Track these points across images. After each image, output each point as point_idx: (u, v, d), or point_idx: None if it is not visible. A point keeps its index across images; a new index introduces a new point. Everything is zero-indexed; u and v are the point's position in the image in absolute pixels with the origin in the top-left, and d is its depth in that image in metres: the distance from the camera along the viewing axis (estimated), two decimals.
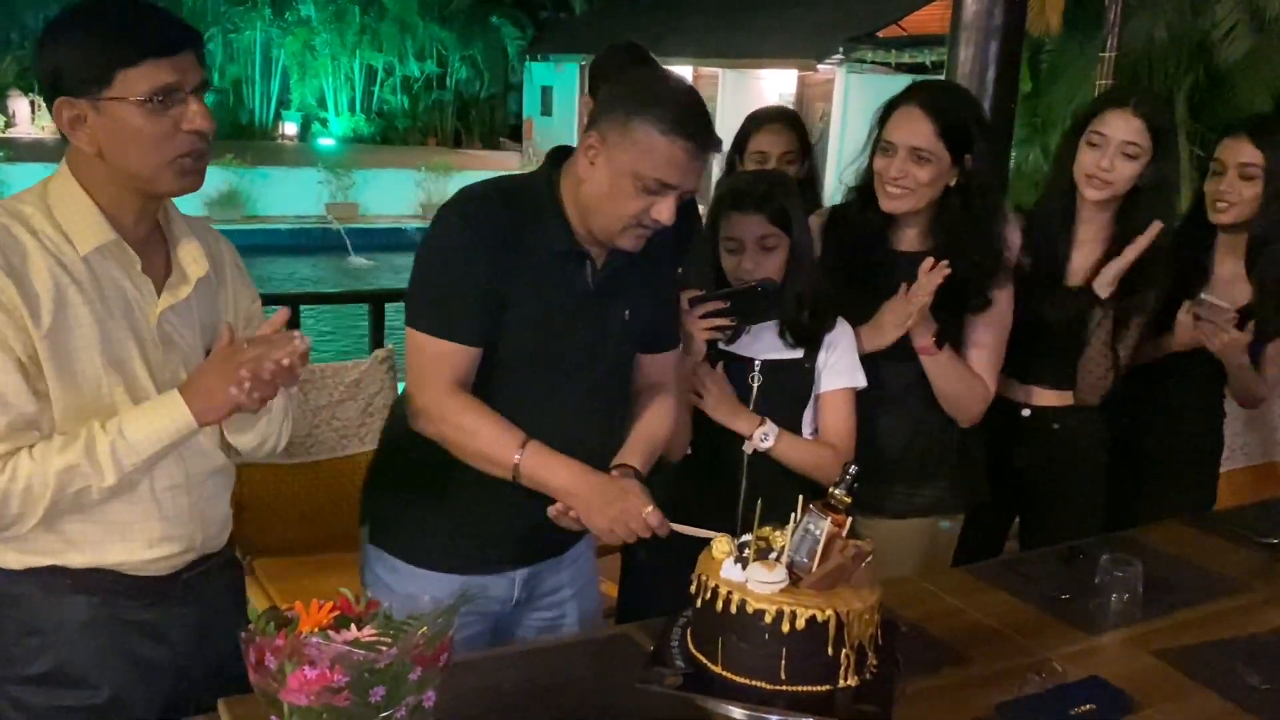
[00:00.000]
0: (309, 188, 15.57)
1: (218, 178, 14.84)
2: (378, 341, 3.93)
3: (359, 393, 3.20)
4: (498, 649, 1.96)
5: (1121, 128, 2.49)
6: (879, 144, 2.36)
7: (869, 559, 1.56)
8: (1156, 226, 2.45)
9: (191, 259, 1.76)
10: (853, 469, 1.59)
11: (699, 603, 1.57)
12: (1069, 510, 2.69)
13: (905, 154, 2.30)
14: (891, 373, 2.40)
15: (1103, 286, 2.50)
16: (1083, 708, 1.80)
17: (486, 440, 1.88)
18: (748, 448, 2.24)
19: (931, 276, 2.25)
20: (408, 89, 23.41)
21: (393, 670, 1.30)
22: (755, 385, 2.26)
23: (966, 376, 2.44)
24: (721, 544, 1.59)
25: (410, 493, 2.05)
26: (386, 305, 3.97)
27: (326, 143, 21.16)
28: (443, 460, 1.93)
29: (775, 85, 16.18)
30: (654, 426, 2.08)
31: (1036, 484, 2.73)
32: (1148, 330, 2.60)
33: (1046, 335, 2.56)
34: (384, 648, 1.31)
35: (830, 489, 1.60)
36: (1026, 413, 2.69)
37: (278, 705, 1.34)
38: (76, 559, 1.70)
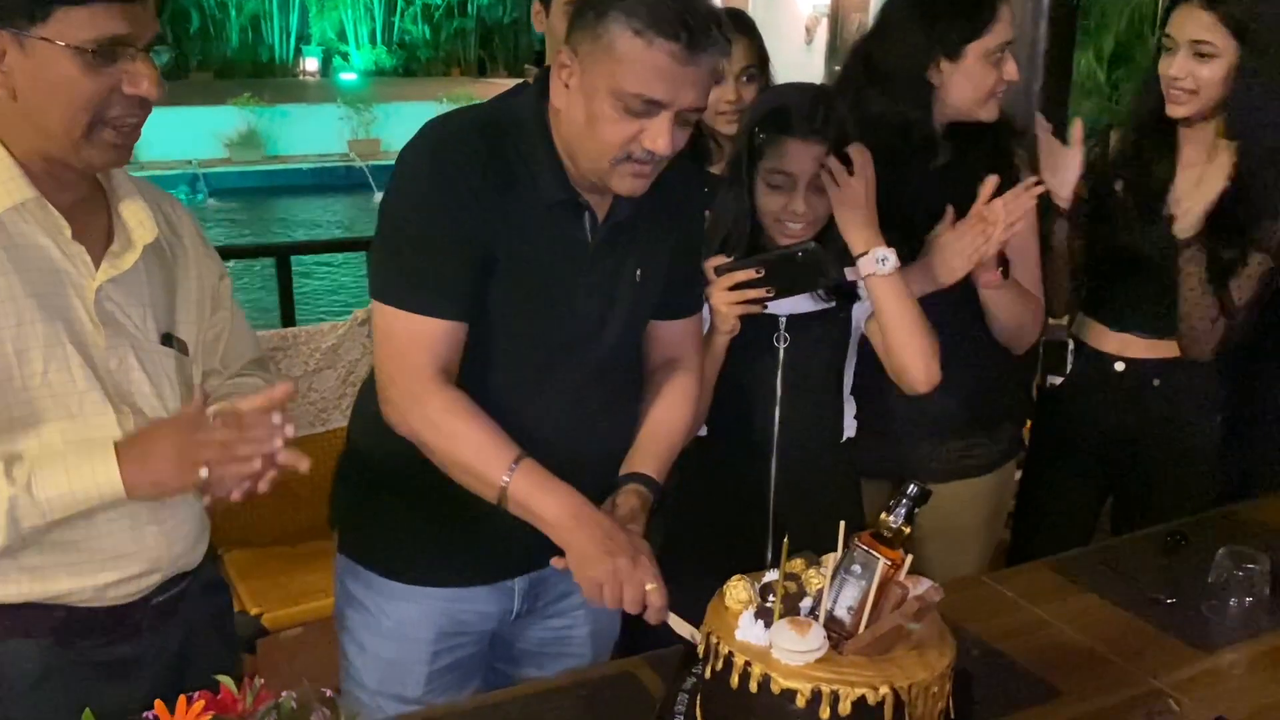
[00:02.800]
0: (330, 124, 15.14)
1: (236, 118, 14.46)
2: None
3: (337, 360, 2.83)
4: (468, 700, 1.59)
5: (1190, 25, 2.04)
6: None
7: (936, 602, 1.15)
8: (1229, 149, 2.01)
9: (137, 221, 1.44)
10: (913, 489, 1.18)
11: (708, 671, 1.18)
12: (1174, 487, 2.27)
13: None
14: (940, 324, 1.97)
15: (1183, 228, 2.05)
16: None
17: (471, 451, 1.50)
18: (853, 274, 1.81)
19: (1023, 199, 1.85)
20: (429, 18, 22.79)
21: None
22: (782, 346, 1.85)
23: (1026, 299, 2.06)
24: (737, 589, 1.20)
25: (384, 493, 1.69)
26: None
27: (348, 77, 20.65)
28: (419, 455, 1.56)
29: None
30: (672, 417, 1.70)
31: (1135, 454, 2.30)
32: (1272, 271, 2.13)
33: (1143, 273, 2.12)
34: None
35: (882, 515, 1.19)
36: (1120, 367, 2.27)
37: None
38: (11, 593, 1.37)
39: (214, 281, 1.58)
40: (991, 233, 1.86)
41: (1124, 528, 2.31)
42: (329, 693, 1.06)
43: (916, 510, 1.18)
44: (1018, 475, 2.39)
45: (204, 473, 1.30)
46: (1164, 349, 2.23)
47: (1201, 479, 2.28)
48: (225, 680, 1.07)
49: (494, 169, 1.50)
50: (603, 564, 1.42)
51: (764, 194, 1.80)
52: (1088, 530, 2.38)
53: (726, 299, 1.73)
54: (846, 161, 1.76)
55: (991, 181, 1.87)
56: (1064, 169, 2.09)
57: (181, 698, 1.04)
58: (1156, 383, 2.25)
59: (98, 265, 1.39)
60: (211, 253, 1.61)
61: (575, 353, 1.59)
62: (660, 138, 1.43)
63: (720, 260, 1.73)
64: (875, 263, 1.79)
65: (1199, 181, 2.04)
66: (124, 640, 1.45)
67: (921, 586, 1.17)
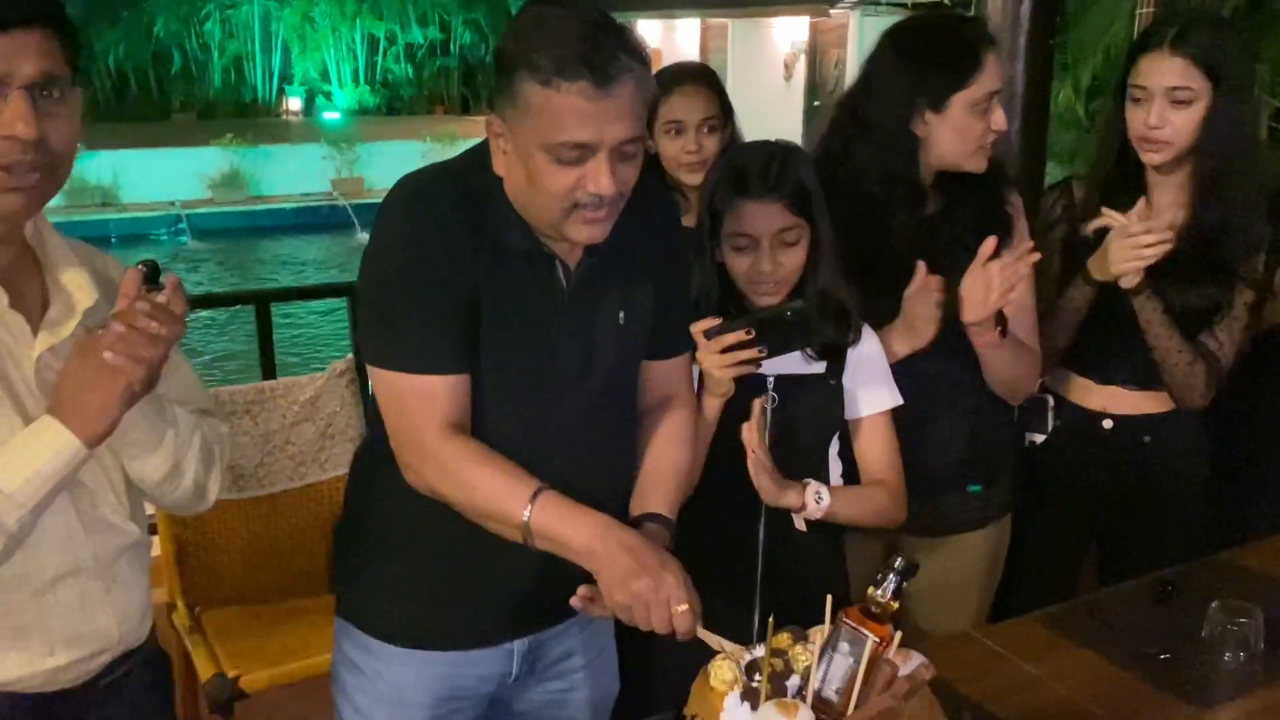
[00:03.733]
0: (313, 164, 15.18)
1: (219, 159, 14.48)
2: (358, 343, 3.50)
3: (316, 413, 2.79)
4: None
5: (1163, 73, 2.02)
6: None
7: (927, 680, 1.12)
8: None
9: (76, 286, 1.38)
10: (899, 562, 1.16)
11: None
12: (1162, 537, 2.24)
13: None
14: (935, 372, 1.96)
15: (1127, 276, 2.02)
16: None
17: (488, 495, 1.47)
18: (799, 523, 1.80)
19: (1019, 266, 1.84)
20: (411, 57, 22.92)
21: None
22: (769, 407, 1.81)
23: (1022, 353, 2.03)
24: (722, 670, 1.17)
25: (381, 557, 1.66)
26: None
27: (332, 116, 20.74)
28: (418, 516, 1.55)
29: (787, 33, 15.53)
30: (673, 455, 1.67)
31: (1121, 509, 2.27)
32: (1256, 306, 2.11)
33: (1125, 324, 2.09)
34: None
35: (869, 590, 1.16)
36: (1109, 424, 2.23)
37: None
38: None
39: None
40: (932, 305, 1.85)
41: (1110, 577, 2.28)
42: None
43: (905, 584, 1.15)
44: None
45: (114, 358, 1.25)
46: (1153, 402, 2.19)
47: (1191, 528, 2.25)
48: None
49: (469, 219, 1.49)
50: (636, 582, 1.38)
51: (730, 256, 1.79)
52: (1071, 581, 2.35)
53: (718, 362, 1.69)
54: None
55: (989, 244, 1.85)
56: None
57: None
58: (1148, 439, 2.21)
59: (35, 333, 1.34)
60: None
61: (563, 398, 1.57)
62: (601, 178, 1.41)
63: (708, 323, 1.69)
64: (814, 504, 1.77)
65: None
66: None
67: (912, 664, 1.14)
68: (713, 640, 1.32)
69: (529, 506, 1.44)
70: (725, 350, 1.67)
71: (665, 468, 1.65)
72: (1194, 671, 1.74)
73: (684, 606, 1.34)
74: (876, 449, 1.86)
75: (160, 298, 1.30)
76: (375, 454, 1.60)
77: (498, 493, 1.46)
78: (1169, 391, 2.13)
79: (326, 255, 13.60)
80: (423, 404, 1.47)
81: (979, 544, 2.14)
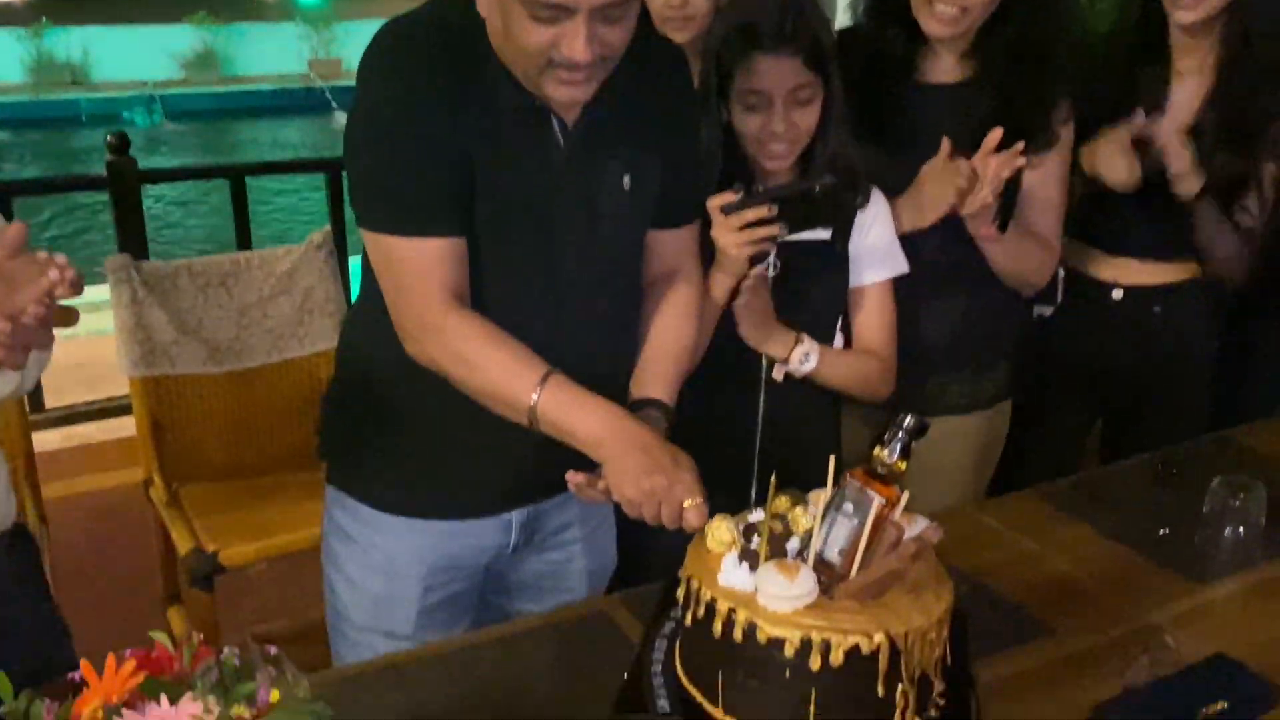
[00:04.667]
0: (289, 44, 14.73)
1: (191, 37, 14.03)
2: (336, 221, 3.39)
3: (293, 285, 2.69)
4: (430, 648, 1.50)
5: None
6: None
7: (935, 542, 1.07)
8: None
9: None
10: (908, 420, 1.09)
11: (689, 618, 1.10)
12: (1168, 413, 2.19)
13: None
14: (935, 250, 1.87)
15: (1186, 187, 1.93)
16: (1214, 707, 1.34)
17: (495, 376, 1.40)
18: (778, 373, 1.72)
19: (1001, 165, 1.72)
20: None
21: None
22: (771, 275, 1.73)
23: (1031, 246, 1.92)
24: (719, 531, 1.11)
25: (374, 425, 1.58)
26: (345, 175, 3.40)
27: None
28: (413, 383, 1.47)
29: None
30: (676, 334, 1.59)
31: (1127, 383, 2.21)
32: None
33: (1141, 193, 2.00)
34: None
35: (875, 450, 1.09)
36: (1118, 294, 2.16)
37: None
38: None
39: None
40: (958, 184, 1.73)
41: (1112, 456, 2.24)
42: (273, 650, 0.96)
43: (913, 444, 1.08)
44: None
45: None
46: (1165, 273, 2.12)
47: (1197, 404, 2.20)
48: (159, 636, 0.97)
49: (456, 71, 1.38)
50: (649, 479, 1.32)
51: (740, 116, 1.67)
52: (1073, 460, 2.31)
53: (735, 239, 1.58)
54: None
55: (995, 134, 1.73)
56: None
57: (110, 657, 0.93)
58: (1157, 309, 2.15)
59: None
60: None
61: (565, 270, 1.47)
62: (576, 42, 1.29)
63: (725, 198, 1.58)
64: (798, 364, 1.70)
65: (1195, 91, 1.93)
66: None
67: (918, 526, 1.09)
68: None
69: (537, 390, 1.37)
70: (743, 227, 1.57)
71: (667, 348, 1.58)
72: (1194, 547, 1.71)
73: (697, 500, 1.28)
74: (874, 320, 1.79)
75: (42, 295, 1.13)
76: (367, 316, 1.52)
77: (504, 374, 1.39)
78: (1211, 271, 2.06)
79: (304, 138, 13.28)
80: (421, 271, 1.39)
81: (972, 429, 2.06)
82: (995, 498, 2.02)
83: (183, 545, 2.40)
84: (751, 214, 1.55)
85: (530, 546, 1.66)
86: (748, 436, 1.78)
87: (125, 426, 2.60)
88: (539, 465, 1.54)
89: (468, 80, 1.38)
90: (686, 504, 1.28)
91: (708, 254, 1.65)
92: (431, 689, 1.37)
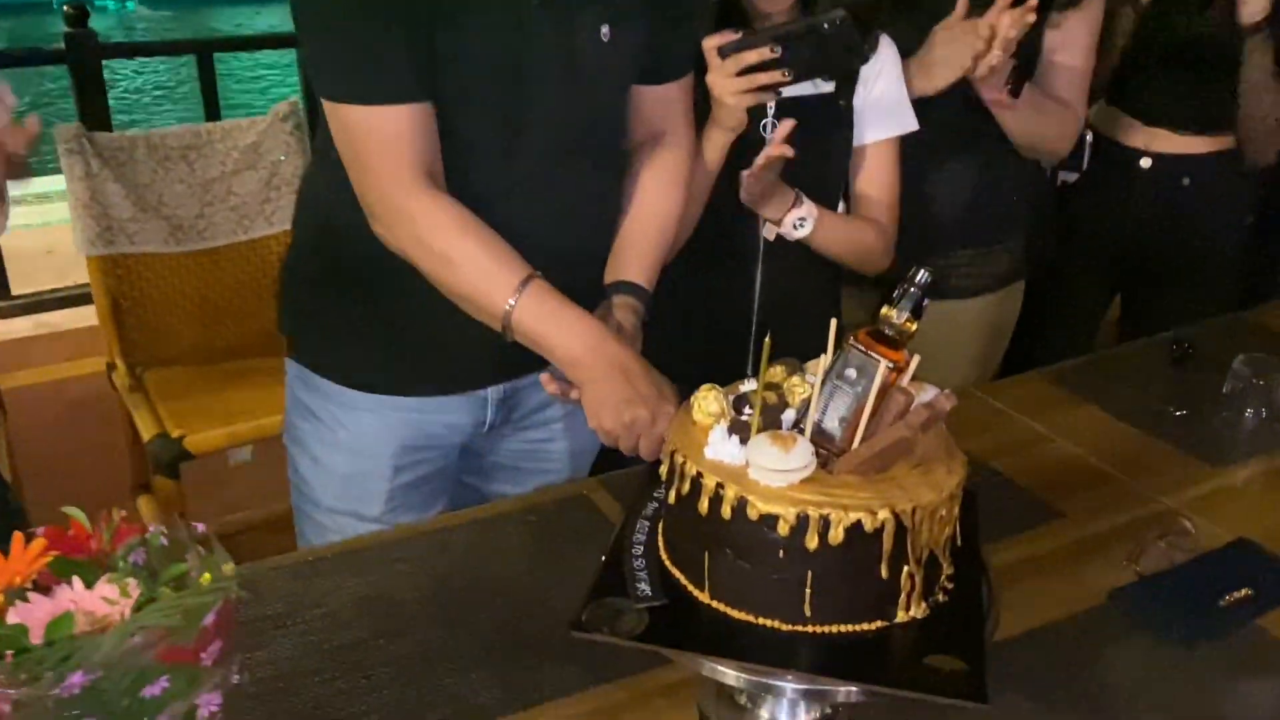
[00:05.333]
0: None
1: None
2: (310, 96, 3.20)
3: (259, 160, 2.55)
4: (398, 532, 1.40)
5: None
6: None
7: (947, 410, 0.96)
8: None
9: None
10: (922, 275, 0.97)
11: (672, 495, 0.99)
12: (1193, 296, 2.08)
13: None
14: (944, 117, 1.72)
15: (1253, 12, 1.78)
16: (1236, 594, 1.25)
17: (469, 275, 1.28)
18: (769, 233, 1.59)
19: (1013, 22, 1.57)
20: None
21: (100, 695, 0.72)
22: (770, 136, 1.59)
23: (1050, 113, 1.78)
24: (707, 401, 0.99)
25: (339, 294, 1.46)
26: None
27: None
28: (378, 249, 1.33)
29: None
30: (661, 207, 1.46)
31: (1152, 257, 2.10)
32: None
33: (1183, 60, 1.86)
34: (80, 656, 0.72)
35: (883, 309, 0.97)
36: (1146, 163, 2.04)
37: None
38: None
39: None
40: (976, 46, 1.59)
41: (1131, 337, 2.13)
42: (202, 528, 0.85)
43: (926, 302, 0.96)
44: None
45: None
46: (1198, 144, 2.01)
47: (1222, 285, 2.09)
48: (74, 513, 0.86)
49: None
50: (620, 415, 1.22)
51: None
52: (1089, 339, 2.20)
53: (733, 86, 1.42)
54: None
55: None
56: None
57: (17, 536, 0.82)
58: (1186, 181, 2.03)
59: None
60: None
61: (540, 136, 1.33)
62: None
63: (723, 38, 1.41)
64: (792, 229, 1.56)
65: None
66: None
67: (927, 394, 0.97)
68: None
69: (515, 296, 1.25)
70: (743, 73, 1.41)
71: (649, 224, 1.45)
72: (1212, 430, 1.62)
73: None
74: (876, 182, 1.64)
75: None
76: (326, 174, 1.37)
77: (479, 273, 1.27)
78: (1241, 144, 1.93)
79: (284, 24, 12.88)
80: (386, 144, 1.25)
81: (977, 314, 1.94)
82: (1001, 380, 1.91)
83: (147, 431, 2.30)
84: (753, 56, 1.39)
85: (508, 425, 1.55)
86: (744, 310, 1.65)
87: (94, 315, 2.48)
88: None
89: None
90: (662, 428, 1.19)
91: (700, 114, 1.50)
92: (397, 574, 1.27)
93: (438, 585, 1.25)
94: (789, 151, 1.45)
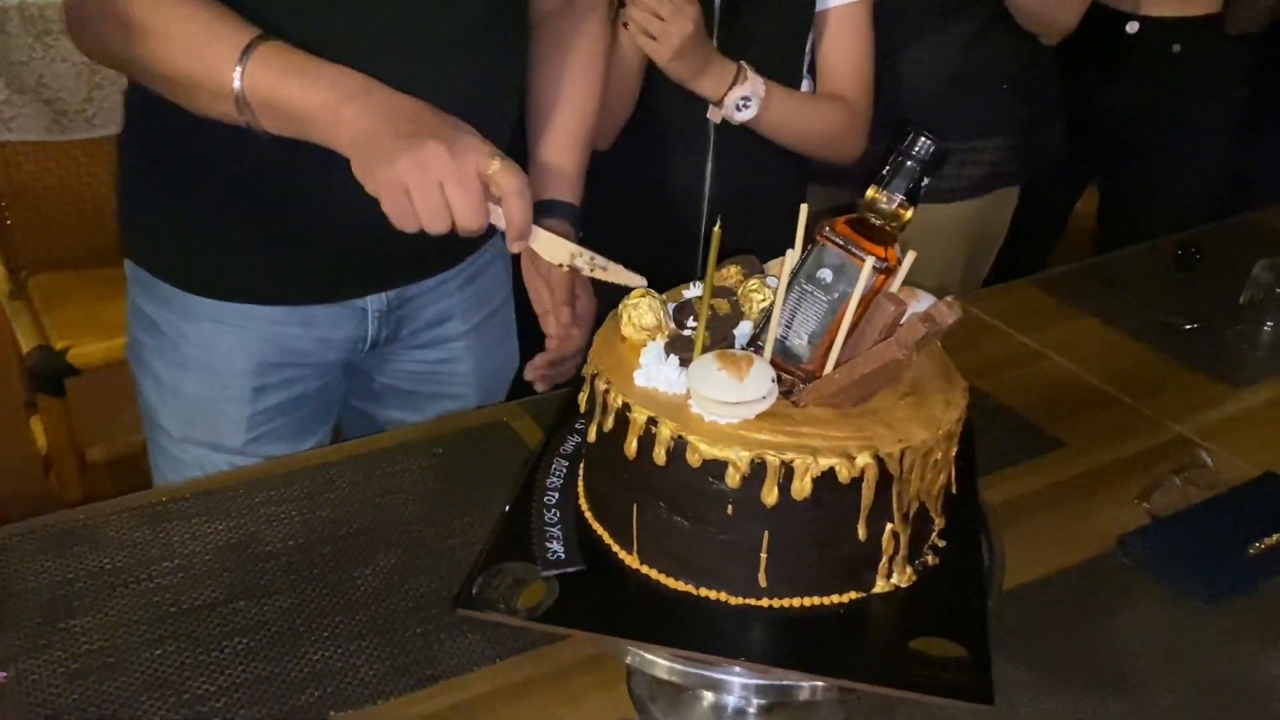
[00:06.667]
0: None
1: None
2: None
3: None
4: (289, 459, 1.17)
5: None
6: None
7: (949, 324, 0.74)
8: None
9: None
10: (922, 144, 0.73)
11: (593, 433, 0.77)
12: (1184, 182, 1.89)
13: None
14: None
15: None
16: (1266, 541, 1.06)
17: (185, 43, 0.95)
18: (714, 116, 1.36)
19: None
20: None
21: None
22: (717, 6, 1.34)
23: None
24: (640, 308, 0.77)
25: (173, 183, 1.19)
26: None
27: None
28: (219, 128, 1.03)
29: None
30: (580, 95, 1.23)
31: (1136, 134, 1.89)
32: None
33: None
34: None
35: (870, 191, 0.75)
36: (1133, 27, 1.86)
37: None
38: None
39: None
40: None
41: (1114, 232, 1.93)
42: None
43: (925, 181, 0.74)
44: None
45: None
46: (1188, 5, 1.81)
47: (1219, 171, 1.90)
48: None
49: None
50: (400, 155, 0.89)
51: None
52: (1058, 227, 2.00)
53: None
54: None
55: None
56: None
57: None
58: (1177, 48, 1.84)
59: None
60: None
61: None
62: None
63: None
64: (735, 110, 1.33)
65: None
66: None
67: (922, 302, 0.75)
68: (556, 249, 0.91)
69: (249, 45, 0.93)
70: None
71: (569, 116, 1.22)
72: (1227, 344, 1.44)
73: (498, 165, 0.89)
74: (842, 52, 1.40)
75: None
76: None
77: (196, 40, 0.95)
78: (1230, 15, 1.73)
79: None
80: None
81: (958, 219, 1.70)
82: (985, 288, 1.70)
83: (28, 343, 2.05)
84: None
85: (397, 343, 1.32)
86: (694, 206, 1.43)
87: None
88: (394, 236, 1.17)
89: None
90: (493, 168, 0.89)
91: None
92: (265, 518, 1.05)
93: (314, 533, 1.03)
94: None
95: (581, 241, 1.10)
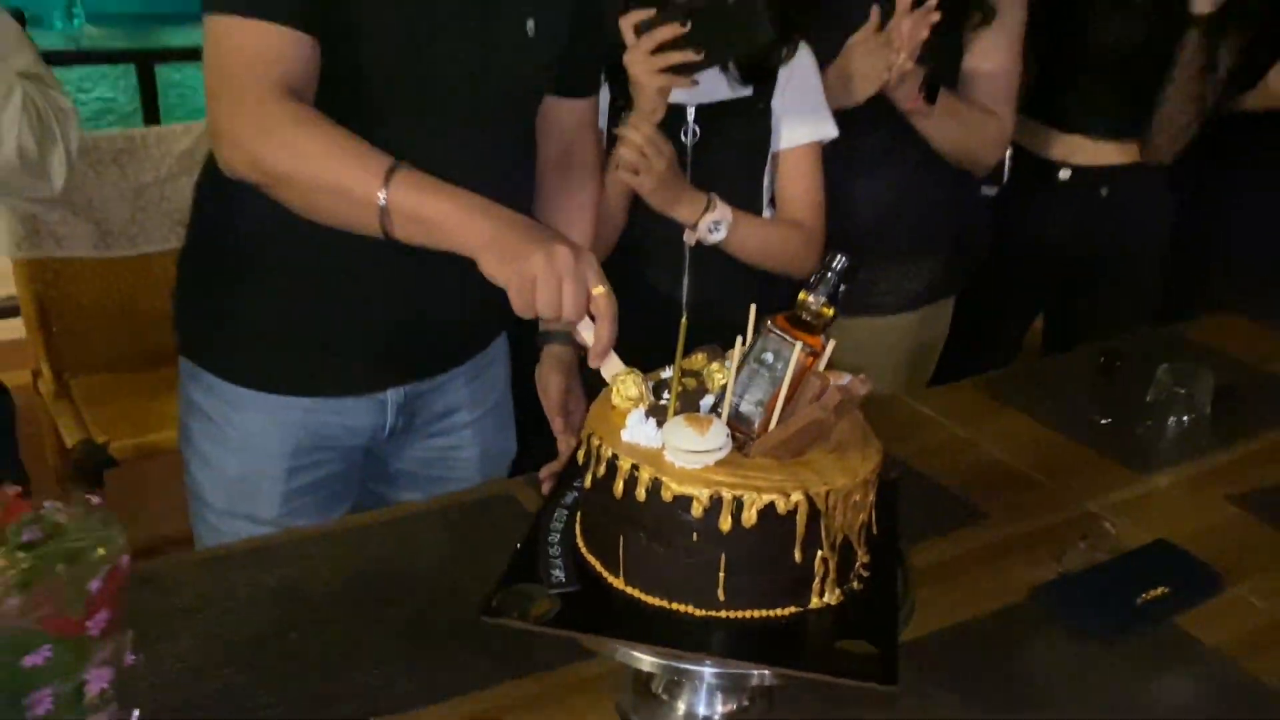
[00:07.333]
0: None
1: None
2: None
3: (194, 166, 2.48)
4: (308, 529, 1.37)
5: None
6: None
7: (862, 395, 0.95)
8: None
9: None
10: (840, 261, 0.97)
11: (589, 479, 0.98)
12: (1114, 306, 2.12)
13: None
14: (866, 128, 1.74)
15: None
16: (1153, 592, 1.26)
17: (337, 165, 1.12)
18: (689, 239, 1.60)
19: (915, 25, 1.60)
20: None
21: None
22: (690, 142, 1.60)
23: (973, 121, 1.80)
24: (626, 385, 0.98)
25: (228, 288, 1.41)
26: None
27: None
28: (272, 238, 1.30)
29: None
30: (579, 227, 1.48)
31: (1072, 271, 2.12)
32: (1237, 69, 1.94)
33: (1102, 69, 1.91)
34: None
35: (800, 295, 0.97)
36: (1065, 174, 2.09)
37: None
38: None
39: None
40: (888, 59, 1.62)
41: (1055, 349, 2.16)
42: (98, 500, 0.83)
43: (842, 288, 0.96)
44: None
45: None
46: (1114, 153, 2.05)
47: (1145, 294, 2.13)
48: None
49: None
50: (534, 252, 1.05)
51: None
52: (1013, 350, 2.23)
53: (648, 65, 1.43)
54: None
55: (874, 15, 1.62)
56: None
57: None
58: (1105, 191, 2.07)
59: None
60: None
61: (453, 117, 1.30)
62: None
63: (642, 15, 1.43)
64: (707, 233, 1.57)
65: None
66: None
67: (844, 380, 0.97)
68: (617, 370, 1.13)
69: (390, 171, 1.10)
70: (657, 52, 1.42)
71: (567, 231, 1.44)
72: (1136, 437, 1.64)
73: (603, 289, 1.08)
74: (799, 185, 1.65)
75: None
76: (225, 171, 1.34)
77: (347, 162, 1.12)
78: (1150, 143, 1.97)
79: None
80: (254, 58, 1.15)
81: (903, 329, 1.95)
82: (930, 388, 1.92)
83: (71, 438, 2.25)
84: (665, 31, 1.41)
85: (412, 432, 1.53)
86: (673, 314, 1.65)
87: (21, 328, 2.43)
88: (413, 339, 1.40)
89: None
90: (597, 291, 1.07)
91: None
92: (307, 569, 1.25)
93: (349, 581, 1.23)
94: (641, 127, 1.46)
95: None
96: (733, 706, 1.03)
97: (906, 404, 1.71)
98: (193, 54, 5.36)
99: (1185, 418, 1.63)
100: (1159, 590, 1.26)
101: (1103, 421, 1.66)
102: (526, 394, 1.51)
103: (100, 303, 2.45)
